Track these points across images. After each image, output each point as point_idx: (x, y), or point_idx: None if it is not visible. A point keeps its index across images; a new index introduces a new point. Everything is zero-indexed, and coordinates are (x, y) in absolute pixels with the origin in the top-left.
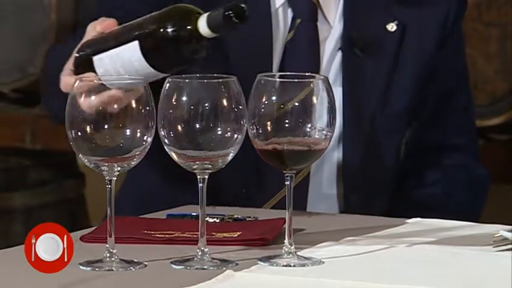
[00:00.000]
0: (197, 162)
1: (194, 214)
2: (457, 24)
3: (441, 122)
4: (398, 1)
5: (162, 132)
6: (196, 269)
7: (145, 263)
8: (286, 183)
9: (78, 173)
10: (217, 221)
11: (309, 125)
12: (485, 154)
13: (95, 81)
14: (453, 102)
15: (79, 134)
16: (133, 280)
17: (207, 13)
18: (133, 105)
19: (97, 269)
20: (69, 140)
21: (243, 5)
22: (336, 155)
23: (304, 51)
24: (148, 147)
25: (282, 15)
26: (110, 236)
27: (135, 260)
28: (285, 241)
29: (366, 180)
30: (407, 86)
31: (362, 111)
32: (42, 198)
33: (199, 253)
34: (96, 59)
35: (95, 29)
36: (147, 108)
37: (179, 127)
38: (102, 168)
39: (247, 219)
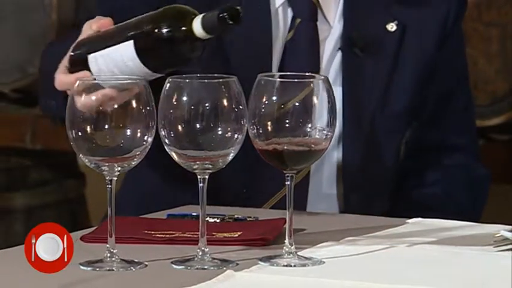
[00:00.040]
0: (197, 162)
1: (194, 214)
2: (457, 24)
3: (441, 122)
4: (398, 1)
5: (163, 132)
6: (197, 269)
7: (146, 263)
8: (286, 183)
9: (79, 173)
10: (218, 221)
11: (310, 125)
12: (485, 154)
13: (97, 81)
14: (453, 102)
15: (79, 134)
16: (133, 280)
17: (202, 14)
18: (134, 105)
19: (97, 269)
20: (69, 140)
21: (237, 7)
22: (335, 155)
23: (304, 51)
24: (149, 147)
25: (281, 15)
26: (111, 236)
27: (136, 260)
28: (285, 241)
29: (366, 180)
30: (407, 86)
31: (362, 111)
32: (43, 198)
33: (200, 253)
34: (90, 57)
35: (91, 27)
36: (148, 108)
37: (179, 127)
38: (103, 168)
39: (248, 219)
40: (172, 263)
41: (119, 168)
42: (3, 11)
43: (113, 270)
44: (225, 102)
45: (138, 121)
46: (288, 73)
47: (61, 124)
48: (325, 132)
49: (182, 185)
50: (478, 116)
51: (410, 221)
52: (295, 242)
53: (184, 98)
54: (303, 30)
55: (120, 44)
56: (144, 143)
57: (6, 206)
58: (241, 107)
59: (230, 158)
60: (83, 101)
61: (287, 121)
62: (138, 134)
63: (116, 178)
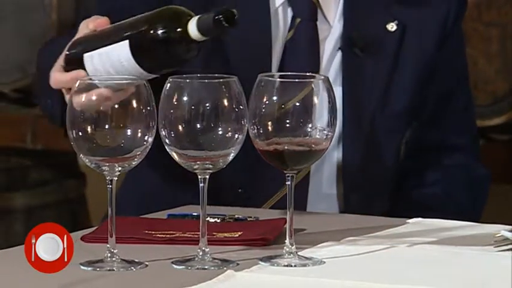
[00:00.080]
0: (198, 162)
1: (195, 214)
2: (457, 24)
3: (441, 122)
4: (399, 1)
5: (163, 132)
6: (197, 269)
7: (146, 263)
8: (287, 183)
9: (79, 173)
10: (218, 221)
11: (310, 125)
12: (485, 154)
13: (97, 81)
14: (453, 102)
15: (80, 134)
16: (134, 280)
17: (198, 16)
18: (134, 105)
19: (98, 269)
20: (70, 140)
21: (233, 10)
22: (336, 155)
23: (304, 51)
24: (149, 147)
25: (281, 15)
26: (111, 236)
27: (136, 260)
28: (286, 241)
29: (366, 180)
30: (407, 86)
31: (362, 111)
32: (43, 198)
33: (200, 253)
34: (86, 56)
35: (87, 26)
36: (148, 108)
37: (180, 127)
38: (103, 168)
39: (248, 219)
40: (172, 263)
41: (120, 168)
42: (3, 11)
43: (114, 270)
44: (226, 102)
45: (138, 121)
46: (289, 73)
47: (60, 124)
48: (325, 132)
49: (182, 185)
50: (478, 116)
51: (410, 221)
52: (295, 242)
53: (185, 98)
54: (303, 30)
55: (116, 44)
56: (145, 143)
57: (7, 206)
58: (241, 107)
59: (231, 158)
60: (77, 100)
61: (287, 121)
62: (139, 134)
63: (116, 178)
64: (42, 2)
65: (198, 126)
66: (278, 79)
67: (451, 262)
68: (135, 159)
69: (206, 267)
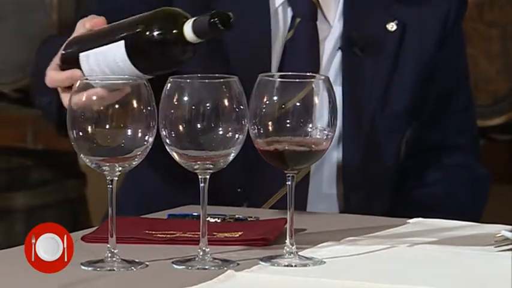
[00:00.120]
0: (198, 162)
1: (195, 214)
2: (458, 24)
3: (441, 122)
4: (399, 0)
5: (164, 132)
6: (198, 269)
7: (147, 263)
8: (287, 183)
9: (80, 173)
10: (219, 221)
11: (310, 125)
12: (486, 154)
13: (97, 81)
14: (453, 102)
15: (80, 134)
16: (134, 280)
17: (193, 18)
18: (135, 105)
19: (98, 269)
20: (70, 140)
21: (229, 13)
22: (336, 155)
23: (303, 51)
24: (150, 147)
25: (281, 14)
26: (111, 236)
27: (137, 260)
28: (286, 241)
29: (366, 180)
30: (408, 85)
31: (362, 111)
32: (44, 198)
33: (201, 253)
34: (82, 56)
35: (84, 26)
36: (149, 108)
37: (180, 127)
38: (104, 168)
39: (249, 219)
40: (173, 263)
41: (120, 168)
42: (3, 11)
43: (114, 270)
44: (226, 102)
45: (139, 121)
46: (289, 73)
47: (56, 123)
48: (325, 132)
49: (183, 185)
50: (479, 116)
51: (411, 221)
52: (296, 242)
53: (185, 98)
54: (303, 30)
55: (112, 44)
56: (145, 143)
57: (7, 206)
58: (242, 107)
59: (231, 158)
60: (74, 100)
61: (288, 121)
62: (139, 134)
63: (116, 178)
64: (42, 2)
65: (199, 126)
66: (278, 79)
67: (452, 262)
68: (136, 159)
69: (206, 267)
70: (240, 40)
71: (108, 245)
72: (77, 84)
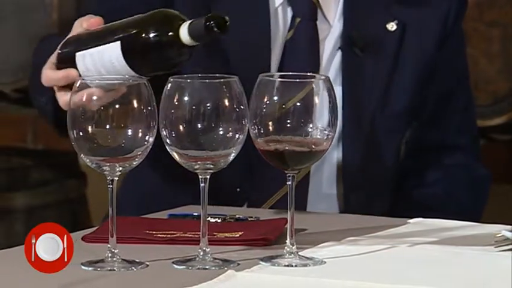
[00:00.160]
0: (199, 162)
1: (196, 214)
2: (458, 24)
3: (441, 122)
4: (399, 0)
5: (164, 132)
6: (198, 269)
7: (147, 263)
8: (288, 183)
9: (80, 173)
10: (219, 221)
11: (311, 125)
12: (486, 154)
13: (97, 81)
14: (453, 102)
15: (81, 134)
16: (135, 280)
17: (189, 21)
18: (135, 105)
19: (99, 269)
20: (70, 140)
21: (224, 16)
22: (335, 155)
23: (303, 50)
24: (150, 147)
25: (281, 14)
26: (112, 236)
27: (137, 260)
28: (286, 241)
29: (366, 180)
30: (407, 85)
31: (362, 111)
32: (44, 198)
33: (201, 253)
34: (78, 55)
35: (81, 25)
36: (149, 108)
37: (181, 127)
38: (104, 168)
39: (249, 219)
40: (173, 263)
41: (120, 168)
42: (3, 11)
43: (114, 270)
44: (226, 102)
45: (139, 121)
46: (289, 73)
47: (52, 121)
48: (326, 132)
49: (183, 185)
50: (479, 116)
51: (411, 221)
52: (296, 242)
53: (186, 98)
54: (303, 30)
55: (108, 44)
56: (146, 143)
57: (7, 206)
58: (242, 107)
59: (231, 158)
60: (66, 99)
61: (288, 121)
62: (140, 134)
63: (117, 178)
64: (42, 2)
65: (199, 126)
66: (278, 79)
67: (452, 262)
68: (136, 159)
69: (207, 267)
70: (240, 40)
71: (109, 245)
72: (77, 84)
